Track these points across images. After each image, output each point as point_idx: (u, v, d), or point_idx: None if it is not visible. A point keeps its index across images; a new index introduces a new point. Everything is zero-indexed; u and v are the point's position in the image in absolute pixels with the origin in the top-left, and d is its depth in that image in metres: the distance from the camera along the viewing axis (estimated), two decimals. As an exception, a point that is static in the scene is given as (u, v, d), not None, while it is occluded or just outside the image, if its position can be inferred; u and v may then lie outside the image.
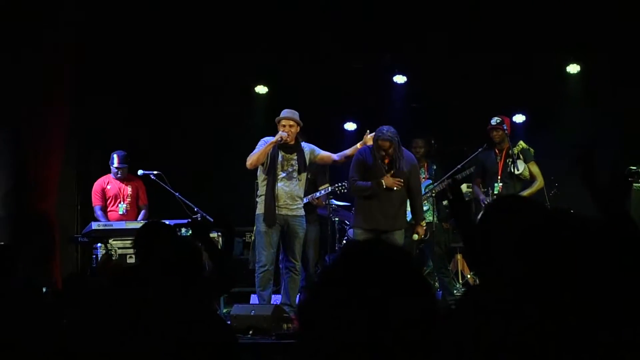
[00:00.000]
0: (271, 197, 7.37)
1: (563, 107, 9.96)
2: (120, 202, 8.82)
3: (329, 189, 8.37)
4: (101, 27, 9.12)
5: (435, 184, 8.61)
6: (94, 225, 8.03)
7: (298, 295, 7.51)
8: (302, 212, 7.61)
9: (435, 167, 8.93)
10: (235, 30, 9.75)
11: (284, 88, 10.39)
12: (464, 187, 8.69)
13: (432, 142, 9.09)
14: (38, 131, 8.30)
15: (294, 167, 7.52)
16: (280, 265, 8.01)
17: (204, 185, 9.76)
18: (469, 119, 9.03)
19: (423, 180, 8.69)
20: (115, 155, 8.83)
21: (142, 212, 8.91)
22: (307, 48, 9.88)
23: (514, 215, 2.41)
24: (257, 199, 7.61)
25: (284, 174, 7.48)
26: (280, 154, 7.50)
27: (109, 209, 8.81)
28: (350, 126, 10.66)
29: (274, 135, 7.52)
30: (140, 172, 8.67)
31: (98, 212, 8.74)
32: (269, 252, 7.37)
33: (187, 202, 8.31)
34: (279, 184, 7.43)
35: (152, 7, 9.34)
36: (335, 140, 10.29)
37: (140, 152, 9.40)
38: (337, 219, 9.04)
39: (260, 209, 7.48)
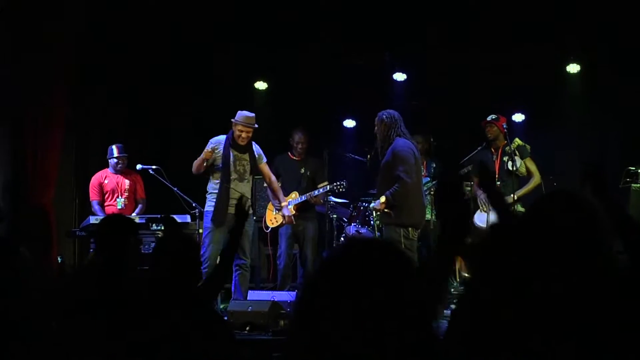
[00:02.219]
0: (224, 197, 7.57)
1: (563, 107, 9.96)
2: (118, 197, 8.82)
3: (327, 187, 8.39)
4: (101, 24, 9.11)
5: (434, 182, 8.62)
6: (92, 220, 8.04)
7: (292, 292, 7.55)
8: (250, 210, 7.75)
9: (434, 165, 8.94)
10: (235, 26, 9.74)
11: (284, 84, 10.39)
12: (462, 186, 8.69)
13: (432, 140, 9.10)
14: (37, 126, 8.30)
15: (246, 168, 7.73)
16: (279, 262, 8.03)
17: (201, 180, 9.75)
18: (469, 118, 9.02)
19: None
20: (114, 147, 8.84)
21: (140, 206, 8.91)
22: (308, 44, 9.88)
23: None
24: (207, 195, 7.77)
25: (236, 175, 7.68)
26: (233, 154, 7.70)
27: (107, 203, 8.81)
28: (349, 123, 10.67)
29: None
30: (138, 166, 8.68)
31: (96, 207, 8.75)
32: (215, 248, 7.43)
33: (186, 197, 8.31)
34: (232, 185, 7.62)
35: (151, 3, 9.33)
36: (335, 136, 10.31)
37: (139, 147, 9.40)
38: (334, 216, 9.04)
39: (209, 207, 7.67)
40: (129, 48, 9.65)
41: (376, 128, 7.27)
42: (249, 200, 7.68)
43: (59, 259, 8.08)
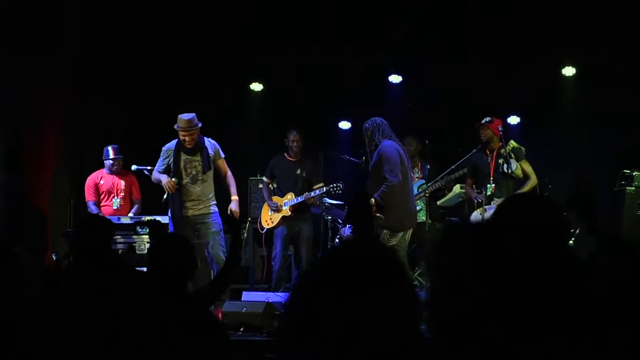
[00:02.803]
0: (178, 201, 7.63)
1: (558, 110, 9.98)
2: (114, 197, 8.84)
3: (324, 189, 8.38)
4: (100, 26, 9.11)
5: (429, 184, 8.63)
6: (87, 220, 8.04)
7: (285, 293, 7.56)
8: (212, 209, 7.77)
9: (429, 167, 8.95)
10: (231, 27, 9.75)
11: (279, 86, 10.40)
12: (457, 188, 8.71)
13: (426, 141, 9.11)
14: (32, 127, 8.30)
15: (198, 169, 7.72)
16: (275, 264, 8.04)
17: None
18: (464, 120, 9.03)
19: (416, 179, 8.71)
20: (110, 148, 8.85)
21: (135, 206, 8.93)
22: (303, 46, 9.88)
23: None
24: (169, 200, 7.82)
25: (189, 178, 7.70)
26: (183, 158, 7.72)
27: (103, 204, 8.82)
28: (345, 125, 10.68)
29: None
30: (133, 167, 8.69)
31: (91, 207, 8.75)
32: None
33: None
34: (184, 189, 7.67)
35: (149, 6, 9.34)
36: (330, 139, 10.31)
37: (135, 148, 9.40)
38: (329, 217, 9.05)
39: (169, 212, 7.73)
40: (126, 49, 9.65)
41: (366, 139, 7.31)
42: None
43: (53, 256, 8.08)
